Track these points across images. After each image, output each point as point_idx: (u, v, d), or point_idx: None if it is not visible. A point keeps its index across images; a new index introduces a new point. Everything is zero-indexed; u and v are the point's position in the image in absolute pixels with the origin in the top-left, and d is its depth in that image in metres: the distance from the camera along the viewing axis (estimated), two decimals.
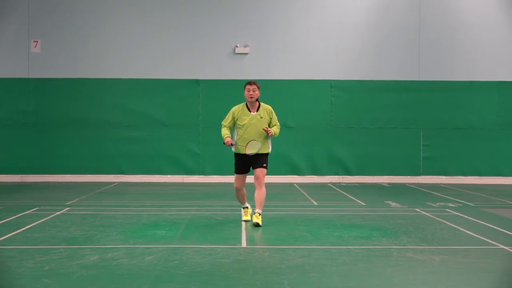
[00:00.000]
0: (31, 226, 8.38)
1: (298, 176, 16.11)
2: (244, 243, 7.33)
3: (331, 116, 16.25)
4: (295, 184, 15.33)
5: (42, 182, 15.59)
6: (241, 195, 8.90)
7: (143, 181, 15.82)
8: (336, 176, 16.20)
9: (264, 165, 8.67)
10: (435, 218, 9.47)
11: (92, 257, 6.44)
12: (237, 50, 16.13)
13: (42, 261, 6.23)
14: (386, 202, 11.61)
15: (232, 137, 8.67)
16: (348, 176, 16.20)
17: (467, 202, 11.70)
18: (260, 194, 8.62)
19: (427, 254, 6.75)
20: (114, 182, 15.55)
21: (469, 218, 9.50)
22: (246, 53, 16.19)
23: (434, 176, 16.20)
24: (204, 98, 15.88)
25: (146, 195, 12.59)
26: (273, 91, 16.07)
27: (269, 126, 8.69)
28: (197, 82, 16.02)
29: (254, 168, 8.68)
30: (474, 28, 16.36)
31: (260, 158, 8.64)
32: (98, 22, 16.14)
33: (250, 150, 8.46)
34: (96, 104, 16.03)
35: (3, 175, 15.80)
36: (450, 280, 5.64)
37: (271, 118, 8.70)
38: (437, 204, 11.32)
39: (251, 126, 8.53)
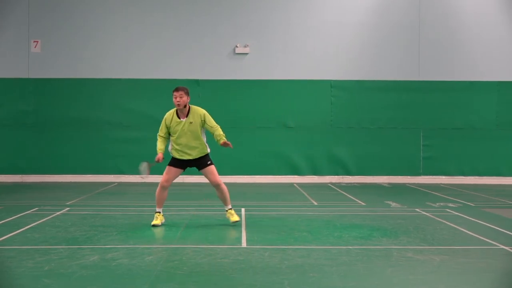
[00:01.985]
0: (31, 226, 8.38)
1: (298, 176, 16.11)
2: (244, 243, 7.33)
3: (331, 116, 16.25)
4: (295, 184, 15.33)
5: (42, 182, 15.59)
6: (162, 196, 8.52)
7: (143, 181, 15.79)
8: (336, 176, 16.20)
9: (209, 162, 8.52)
10: (435, 218, 9.47)
11: (92, 257, 6.44)
12: (237, 50, 16.13)
13: (42, 261, 6.22)
14: (386, 202, 11.61)
15: (167, 146, 8.56)
16: (348, 176, 16.20)
17: (467, 202, 11.70)
18: (222, 193, 8.60)
19: (427, 254, 6.75)
20: (114, 182, 15.54)
21: (469, 218, 9.50)
22: (246, 53, 16.19)
23: (434, 176, 16.20)
24: (204, 98, 15.85)
25: (146, 195, 12.58)
26: (273, 91, 16.10)
27: (205, 129, 8.49)
28: (197, 82, 16.02)
29: (200, 170, 8.57)
30: (474, 28, 16.36)
31: (202, 159, 8.53)
32: (98, 22, 16.14)
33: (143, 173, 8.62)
34: (96, 104, 16.03)
35: (3, 175, 15.80)
36: (450, 280, 5.64)
37: (203, 121, 8.42)
38: (437, 204, 11.32)
39: (183, 133, 8.36)
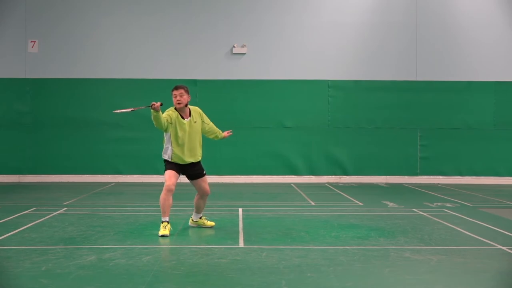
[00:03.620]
0: (28, 226, 8.37)
1: (296, 176, 16.11)
2: (241, 243, 7.33)
3: (328, 116, 16.25)
4: (292, 185, 15.33)
5: (39, 182, 15.57)
6: (169, 203, 7.79)
7: (140, 181, 15.80)
8: (333, 176, 16.21)
9: (204, 172, 8.16)
10: (433, 218, 9.48)
11: (89, 257, 6.43)
12: (235, 50, 16.12)
13: (40, 262, 6.22)
14: (383, 202, 11.61)
15: (162, 146, 8.12)
16: (345, 176, 16.21)
17: (465, 202, 11.71)
18: (204, 201, 8.29)
19: (424, 254, 6.75)
20: (111, 183, 15.53)
21: (467, 218, 9.51)
22: (244, 53, 16.18)
23: (431, 176, 16.21)
24: (202, 98, 15.83)
25: (143, 195, 12.58)
26: (271, 91, 16.10)
27: (203, 128, 8.19)
28: (194, 82, 16.00)
29: (194, 179, 8.10)
30: (471, 28, 16.38)
31: (196, 166, 8.10)
32: (95, 23, 16.12)
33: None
34: (93, 104, 16.00)
35: (0, 176, 15.77)
36: (447, 280, 5.64)
37: (202, 120, 8.17)
38: (435, 204, 11.33)
39: (189, 133, 7.94)
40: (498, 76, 16.36)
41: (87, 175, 15.86)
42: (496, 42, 16.39)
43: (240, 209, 10.30)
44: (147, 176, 15.91)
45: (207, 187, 8.21)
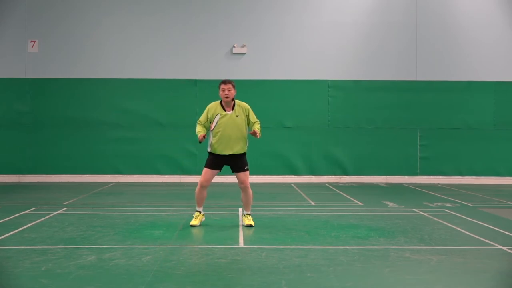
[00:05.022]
0: (28, 226, 8.37)
1: (296, 176, 16.11)
2: (241, 243, 7.33)
3: (328, 116, 16.25)
4: (292, 184, 15.33)
5: (39, 182, 15.57)
6: (202, 196, 8.51)
7: (140, 181, 15.80)
8: (333, 176, 16.21)
9: (246, 167, 8.45)
10: (433, 218, 9.48)
11: (89, 257, 6.43)
12: (235, 50, 16.13)
13: (39, 262, 6.22)
14: (383, 202, 11.61)
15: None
16: (345, 176, 16.21)
17: (465, 202, 11.71)
18: (246, 197, 8.56)
19: (424, 254, 6.75)
20: (111, 182, 15.53)
21: (467, 218, 9.51)
22: (244, 53, 16.18)
23: (431, 176, 16.21)
24: (201, 98, 15.83)
25: (143, 195, 12.58)
26: (271, 91, 16.10)
27: (248, 124, 8.46)
28: (194, 82, 16.01)
29: (234, 171, 8.46)
30: (471, 28, 16.38)
31: (238, 160, 8.42)
32: (95, 22, 16.12)
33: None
34: (93, 104, 16.00)
35: (0, 176, 15.77)
36: (448, 280, 5.64)
37: (247, 116, 8.45)
38: (435, 204, 11.34)
39: (227, 126, 8.29)
40: (498, 76, 16.36)
41: (87, 175, 15.86)
42: (496, 42, 16.40)
43: (240, 209, 10.29)
44: (147, 176, 15.91)
45: (245, 179, 8.43)
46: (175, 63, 16.15)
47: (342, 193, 13.43)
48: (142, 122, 15.96)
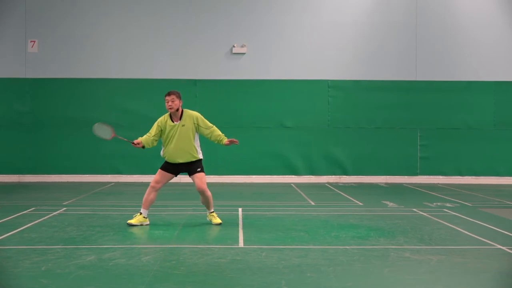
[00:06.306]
0: (28, 226, 8.37)
1: (296, 176, 16.11)
2: (241, 243, 7.33)
3: (328, 116, 16.25)
4: (292, 184, 15.33)
5: (39, 182, 15.57)
6: (149, 197, 8.53)
7: (140, 181, 15.79)
8: (333, 176, 16.20)
9: (199, 169, 8.48)
10: (432, 218, 9.48)
11: (89, 257, 6.43)
12: (234, 50, 16.12)
13: (39, 261, 6.21)
14: (383, 202, 11.61)
15: (160, 148, 8.65)
16: (345, 176, 16.21)
17: (464, 202, 11.71)
18: (205, 199, 8.61)
19: (424, 254, 6.75)
20: (111, 182, 15.53)
21: (467, 218, 9.51)
22: (243, 53, 16.18)
23: (431, 176, 16.21)
24: (201, 98, 15.85)
25: (143, 195, 12.54)
26: (270, 91, 16.10)
27: (202, 132, 8.48)
28: (194, 82, 16.01)
29: (190, 175, 8.55)
30: (471, 28, 16.38)
31: (192, 164, 8.50)
32: (95, 23, 16.12)
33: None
34: (93, 104, 15.99)
35: (0, 175, 15.77)
36: (447, 280, 5.64)
37: (197, 124, 8.47)
38: (434, 204, 11.33)
39: (174, 136, 8.40)
40: (498, 76, 16.36)
41: (87, 175, 15.86)
42: (496, 42, 16.39)
43: (240, 209, 10.30)
44: (147, 176, 15.86)
45: (201, 184, 8.45)
46: (175, 63, 16.15)
47: (342, 193, 13.42)
48: (142, 122, 15.92)
